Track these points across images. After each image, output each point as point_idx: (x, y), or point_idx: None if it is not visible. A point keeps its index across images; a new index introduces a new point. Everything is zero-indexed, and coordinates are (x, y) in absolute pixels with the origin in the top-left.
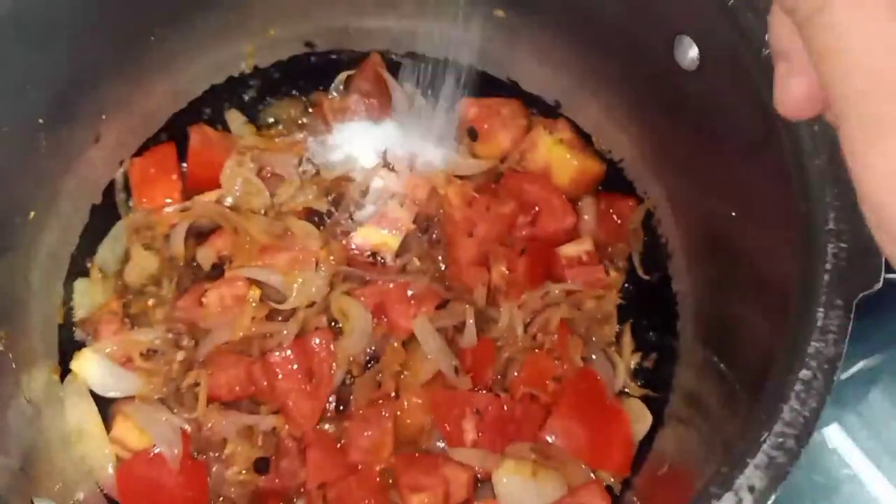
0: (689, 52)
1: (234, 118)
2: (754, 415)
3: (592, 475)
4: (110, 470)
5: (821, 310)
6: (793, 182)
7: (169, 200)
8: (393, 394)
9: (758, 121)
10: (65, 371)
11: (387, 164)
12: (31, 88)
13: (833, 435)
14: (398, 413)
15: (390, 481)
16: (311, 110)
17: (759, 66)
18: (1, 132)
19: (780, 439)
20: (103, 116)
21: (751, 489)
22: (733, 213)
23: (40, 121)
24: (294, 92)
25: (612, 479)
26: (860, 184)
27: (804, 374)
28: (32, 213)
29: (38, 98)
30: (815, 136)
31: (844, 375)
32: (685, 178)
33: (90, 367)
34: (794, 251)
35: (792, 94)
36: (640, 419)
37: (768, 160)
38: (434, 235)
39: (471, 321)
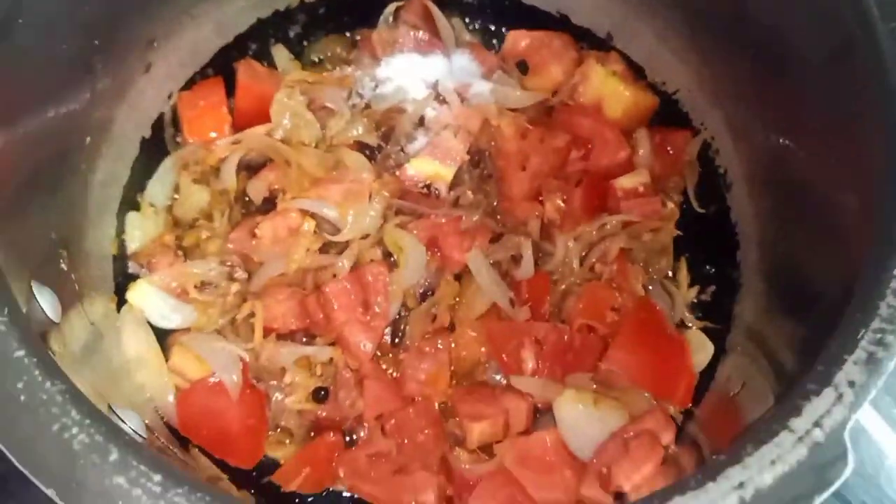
0: None
1: (281, 54)
2: (848, 314)
3: (655, 404)
4: (170, 398)
5: None
6: (872, 92)
7: (217, 134)
8: (448, 326)
9: (830, 32)
10: (121, 301)
11: (438, 96)
12: (87, 7)
13: None
14: (454, 345)
15: (448, 412)
16: (354, 47)
17: None
18: (60, 50)
19: (879, 335)
20: (154, 44)
21: (850, 384)
22: (794, 141)
23: (96, 42)
24: (339, 27)
25: (673, 410)
26: None
27: None
28: (88, 139)
29: (94, 17)
30: None
31: None
32: (747, 105)
33: (146, 298)
34: (862, 188)
35: None
36: (700, 349)
37: (845, 72)
38: (486, 169)
39: (528, 253)
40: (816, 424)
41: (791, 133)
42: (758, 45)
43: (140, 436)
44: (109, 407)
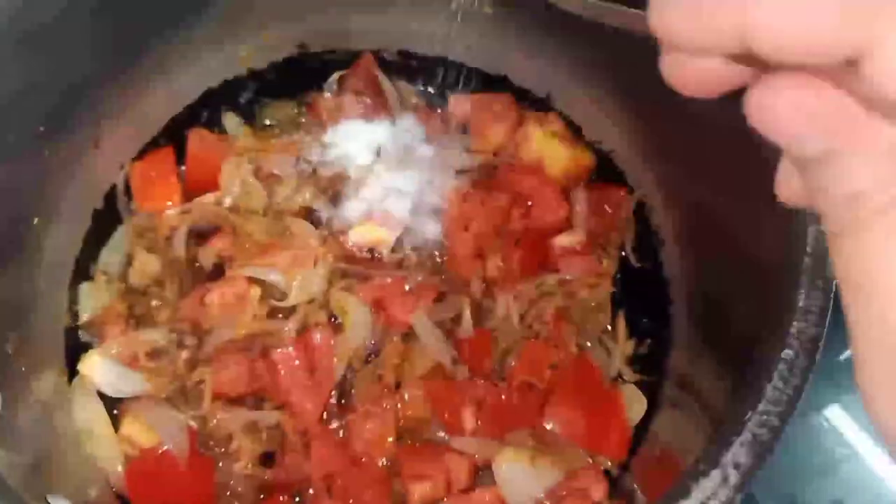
0: None
1: (231, 121)
2: (740, 394)
3: (590, 460)
4: (120, 468)
5: (802, 291)
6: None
7: (169, 203)
8: (394, 386)
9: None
10: (72, 373)
11: (381, 162)
12: (31, 96)
13: (833, 415)
14: (399, 405)
15: (393, 471)
16: (306, 110)
17: None
18: (5, 141)
19: (764, 417)
20: (102, 122)
21: (736, 466)
22: (722, 199)
23: (41, 128)
24: (289, 93)
25: (610, 463)
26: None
27: (786, 353)
28: (36, 220)
29: (38, 106)
30: None
31: (843, 357)
32: (675, 166)
33: (97, 368)
34: (779, 235)
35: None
36: (635, 404)
37: (756, 144)
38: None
39: (467, 313)
40: None
41: (713, 195)
42: (682, 112)
43: None
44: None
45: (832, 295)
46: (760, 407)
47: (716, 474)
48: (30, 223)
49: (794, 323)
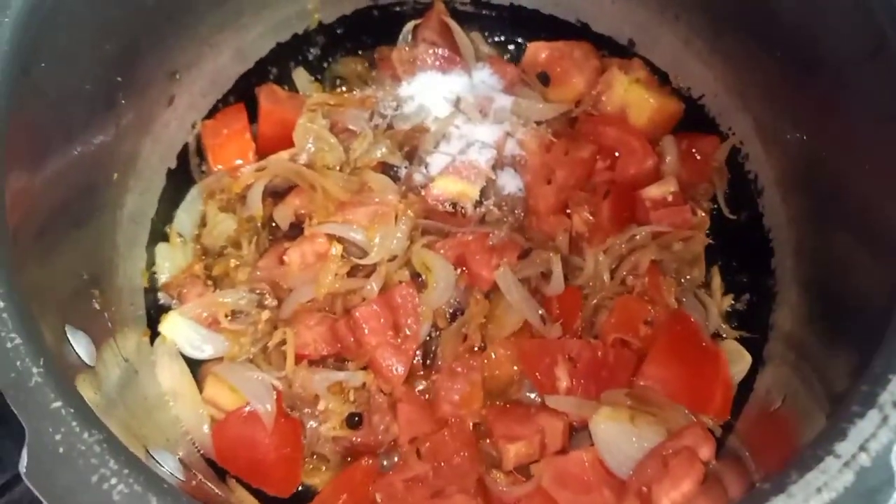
0: None
1: (301, 76)
2: (890, 334)
3: (693, 419)
4: (205, 430)
5: None
6: None
7: (242, 161)
8: (480, 346)
9: (863, 33)
10: (154, 334)
11: (460, 113)
12: (108, 45)
13: None
14: (486, 365)
15: (483, 432)
16: (378, 64)
17: None
18: (84, 90)
19: None
20: (177, 76)
21: None
22: (830, 141)
23: (118, 78)
24: (358, 47)
25: (712, 423)
26: None
27: None
28: (115, 175)
29: (115, 55)
30: None
31: None
32: (777, 108)
33: (178, 329)
34: None
35: None
36: (737, 361)
37: (877, 72)
38: (514, 183)
39: (558, 268)
40: (862, 448)
41: (824, 136)
42: (786, 47)
43: (177, 477)
44: (147, 451)
45: None
46: None
47: (873, 414)
48: (110, 178)
49: None
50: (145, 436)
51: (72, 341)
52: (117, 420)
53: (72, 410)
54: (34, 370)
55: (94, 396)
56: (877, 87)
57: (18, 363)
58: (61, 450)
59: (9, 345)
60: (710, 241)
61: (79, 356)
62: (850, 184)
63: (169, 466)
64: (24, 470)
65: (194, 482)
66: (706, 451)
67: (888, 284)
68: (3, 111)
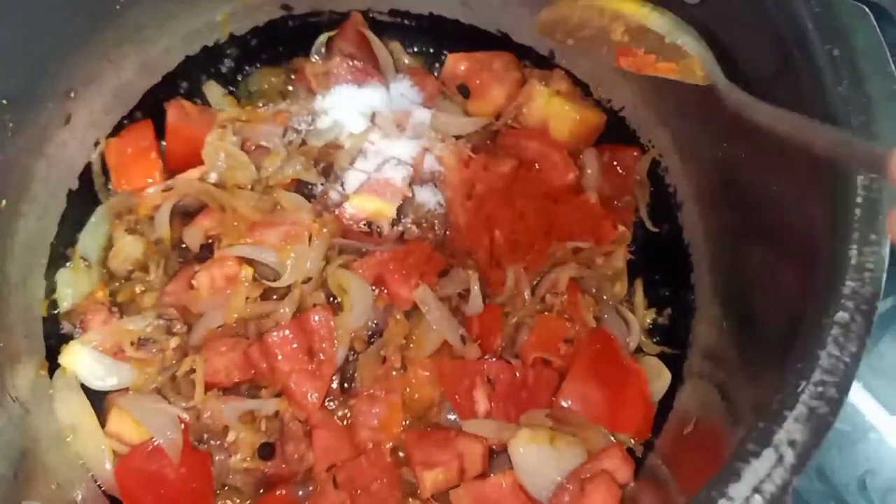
0: None
1: (213, 90)
2: (788, 365)
3: (612, 438)
4: (108, 466)
5: (854, 247)
6: (814, 113)
7: (150, 181)
8: (399, 368)
9: (771, 51)
10: (53, 366)
11: (376, 128)
12: None
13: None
14: (406, 387)
15: (402, 457)
16: (293, 77)
17: None
18: None
19: (820, 388)
20: (72, 94)
21: (791, 444)
22: (745, 155)
23: (4, 101)
24: (274, 60)
25: (633, 442)
26: None
27: (841, 316)
28: (3, 202)
29: (2, 76)
30: (836, 61)
31: None
32: (693, 121)
33: (80, 359)
34: (818, 189)
35: None
36: (657, 377)
37: (784, 92)
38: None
39: (476, 287)
40: (756, 490)
41: (737, 152)
42: None
43: None
44: None
45: (887, 249)
46: (815, 377)
47: (769, 454)
48: None
49: (847, 282)
50: (28, 488)
51: None
52: None
53: None
54: None
55: None
56: (786, 104)
57: None
58: None
59: None
60: (632, 255)
61: None
62: (761, 200)
63: None
64: None
65: None
66: (624, 474)
67: (789, 310)
68: None
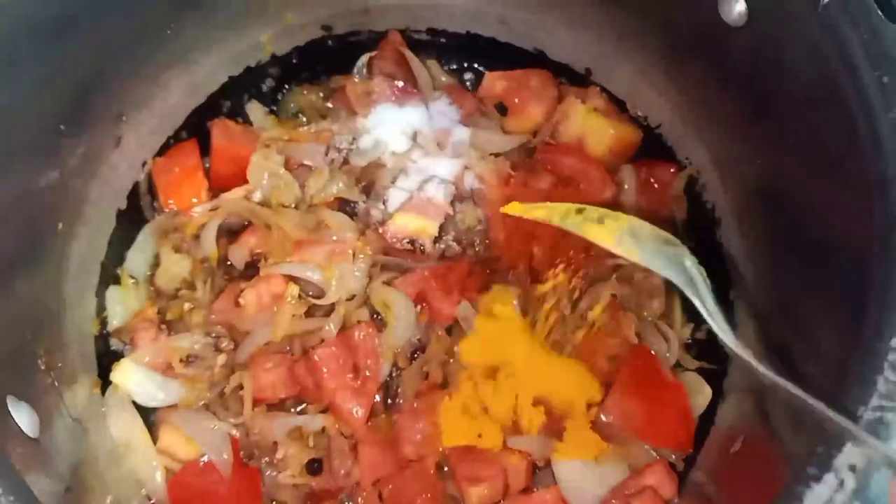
0: (736, 7)
1: (255, 110)
2: (844, 389)
3: (654, 454)
4: (160, 481)
5: None
6: (860, 137)
7: (195, 200)
8: (441, 383)
9: (817, 75)
10: (105, 384)
11: (418, 147)
12: (49, 91)
13: None
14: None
15: (446, 472)
16: (333, 97)
17: (815, 18)
18: (23, 141)
19: (878, 414)
20: (123, 118)
21: (852, 468)
22: (789, 172)
23: (61, 126)
24: (313, 78)
25: (675, 457)
26: None
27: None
28: (60, 224)
29: (57, 101)
30: (885, 88)
31: None
32: (733, 139)
33: (131, 377)
34: (868, 206)
35: None
36: (698, 392)
37: (830, 115)
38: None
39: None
40: None
41: (780, 171)
42: (741, 82)
43: None
44: None
45: None
46: (872, 402)
47: (830, 479)
48: (54, 228)
49: None
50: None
51: (14, 414)
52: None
53: (11, 499)
54: None
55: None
56: (828, 128)
57: None
58: None
59: None
60: None
61: (21, 429)
62: (806, 218)
63: None
64: None
65: None
66: (668, 490)
67: (839, 334)
68: None
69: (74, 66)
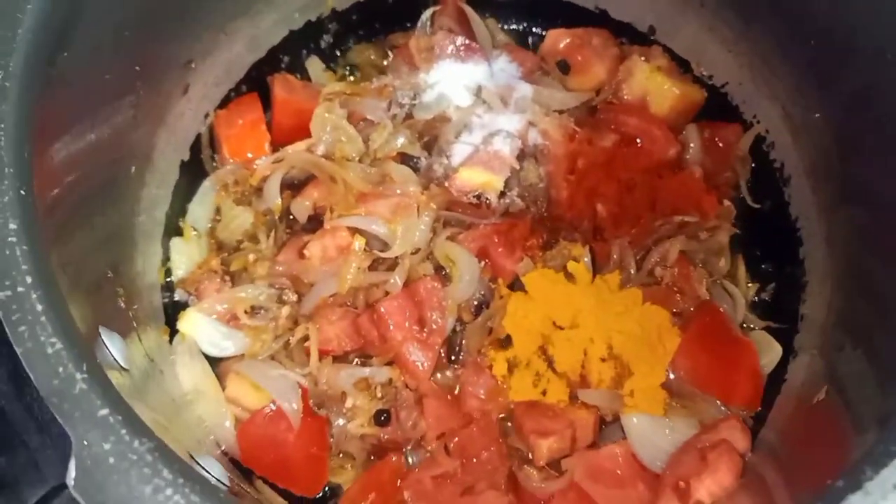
0: None
1: (314, 65)
2: None
3: (725, 410)
4: (230, 427)
5: None
6: None
7: (257, 153)
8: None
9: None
10: (172, 332)
11: (482, 102)
12: (128, 33)
13: None
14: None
15: (509, 427)
16: (393, 52)
17: None
18: (104, 80)
19: None
20: (192, 65)
21: None
22: (865, 134)
23: (137, 68)
24: (371, 35)
25: (744, 414)
26: None
27: None
28: (133, 168)
29: (135, 44)
30: None
31: None
32: (807, 98)
33: (198, 327)
34: None
35: None
36: (767, 351)
37: (869, 110)
38: (536, 173)
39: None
40: None
41: (856, 127)
42: (819, 39)
43: (224, 484)
44: (192, 457)
45: None
46: None
47: None
48: (128, 171)
49: None
50: (179, 439)
51: (107, 343)
52: (156, 425)
53: (120, 418)
54: (78, 376)
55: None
56: (869, 125)
57: (61, 369)
58: (111, 460)
59: (49, 350)
60: (737, 230)
61: (115, 359)
62: (884, 175)
63: (215, 473)
64: (72, 482)
65: (236, 489)
66: (743, 444)
67: None
68: (30, 101)
69: (150, 6)
